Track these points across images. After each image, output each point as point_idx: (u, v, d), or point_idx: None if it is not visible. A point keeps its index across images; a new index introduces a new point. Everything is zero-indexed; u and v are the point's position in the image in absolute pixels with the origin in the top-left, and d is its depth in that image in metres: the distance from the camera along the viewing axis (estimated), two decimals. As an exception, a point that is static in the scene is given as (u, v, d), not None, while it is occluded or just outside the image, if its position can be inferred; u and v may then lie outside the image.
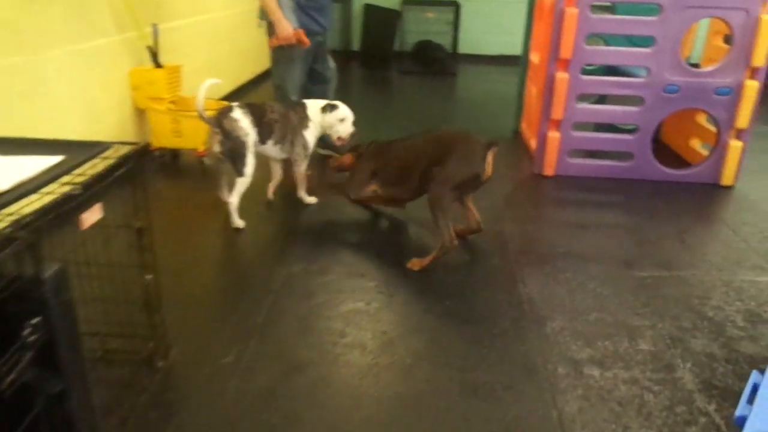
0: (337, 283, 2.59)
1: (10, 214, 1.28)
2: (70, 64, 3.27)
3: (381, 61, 7.78)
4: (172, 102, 3.95)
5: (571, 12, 3.51)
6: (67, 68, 3.25)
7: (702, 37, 4.61)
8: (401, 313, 2.39)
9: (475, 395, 1.93)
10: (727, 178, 3.81)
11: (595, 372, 2.05)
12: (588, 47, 3.64)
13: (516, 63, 5.36)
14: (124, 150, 1.80)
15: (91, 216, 1.53)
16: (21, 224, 1.23)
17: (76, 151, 1.75)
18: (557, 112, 3.73)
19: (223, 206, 3.10)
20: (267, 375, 2.01)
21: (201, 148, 3.86)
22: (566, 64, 3.66)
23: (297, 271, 2.68)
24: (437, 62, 7.49)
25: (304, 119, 3.22)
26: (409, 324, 2.32)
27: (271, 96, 4.05)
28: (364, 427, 1.80)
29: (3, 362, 1.07)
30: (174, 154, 4.06)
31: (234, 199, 3.03)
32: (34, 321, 1.16)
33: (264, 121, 3.09)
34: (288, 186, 3.42)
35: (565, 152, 3.87)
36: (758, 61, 3.56)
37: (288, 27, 3.50)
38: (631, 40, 4.46)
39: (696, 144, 4.23)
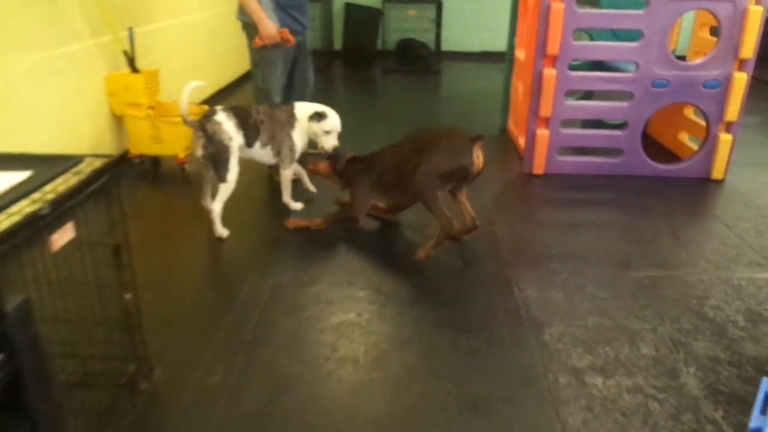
0: (326, 293, 2.50)
1: (-31, 240, 1.17)
2: (42, 70, 3.15)
3: (363, 61, 7.67)
4: (151, 107, 3.83)
5: (557, 7, 3.44)
6: (38, 75, 3.12)
7: (687, 29, 4.57)
8: (394, 324, 2.31)
9: (474, 410, 1.85)
10: (717, 171, 3.77)
11: (598, 380, 1.98)
12: (575, 42, 3.57)
13: (500, 59, 5.30)
14: (97, 163, 1.70)
15: (62, 236, 1.43)
16: (-19, 251, 1.12)
17: (46, 165, 1.64)
18: (545, 110, 3.67)
19: (206, 215, 3.00)
20: (255, 395, 1.91)
21: (182, 154, 3.75)
22: (554, 60, 3.59)
23: (284, 282, 2.59)
24: (421, 60, 7.40)
25: (291, 119, 3.12)
26: (403, 335, 2.24)
27: (253, 98, 3.95)
28: (359, 449, 1.72)
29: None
30: (154, 161, 3.94)
31: (217, 207, 2.92)
32: (-2, 358, 1.06)
33: (249, 123, 2.99)
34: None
35: (554, 150, 3.80)
36: (746, 52, 3.52)
37: (271, 26, 3.40)
38: (616, 34, 4.42)
39: (684, 137, 4.19)
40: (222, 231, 2.95)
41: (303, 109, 3.14)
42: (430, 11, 7.73)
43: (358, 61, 7.68)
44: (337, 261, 2.78)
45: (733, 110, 3.62)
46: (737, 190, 3.66)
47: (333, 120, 3.11)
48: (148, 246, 2.93)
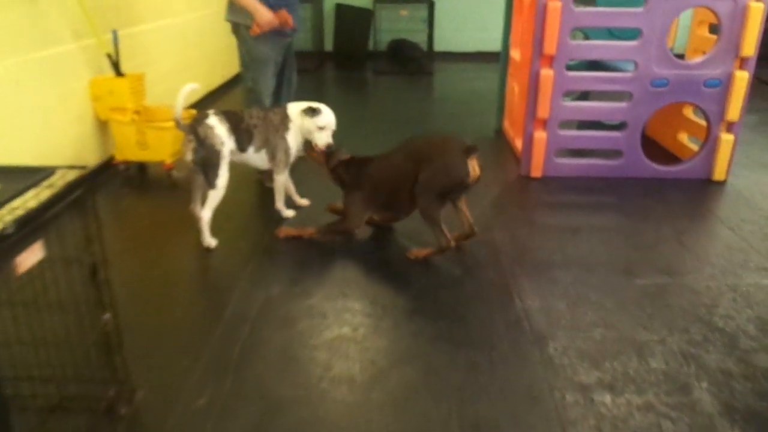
0: (320, 306, 2.39)
1: None
2: (22, 75, 3.02)
3: (355, 62, 7.56)
4: (136, 112, 3.71)
5: (554, 5, 3.34)
6: (18, 80, 2.99)
7: (685, 27, 4.49)
8: (391, 339, 2.20)
9: (477, 432, 1.74)
10: (718, 173, 3.69)
11: (606, 398, 1.88)
12: (572, 42, 3.48)
13: (494, 59, 5.20)
14: (71, 175, 1.58)
15: (29, 257, 1.31)
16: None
17: (15, 178, 1.53)
18: (543, 111, 3.57)
19: (195, 222, 2.88)
20: (245, 419, 1.80)
21: (169, 160, 3.63)
22: (551, 61, 3.50)
23: (276, 295, 2.47)
24: (413, 61, 7.30)
25: (285, 120, 3.00)
26: (400, 351, 2.13)
27: (242, 101, 3.83)
28: (356, 478, 1.61)
29: None
30: (140, 167, 3.82)
31: (206, 214, 2.81)
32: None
33: (242, 127, 2.88)
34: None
35: (552, 152, 3.71)
36: (747, 50, 3.44)
37: (267, 12, 3.27)
38: (612, 32, 4.33)
39: (684, 138, 4.10)
40: (210, 240, 2.84)
41: (295, 108, 3.03)
42: (422, 11, 7.63)
43: (350, 62, 7.58)
44: (331, 271, 2.67)
45: (734, 110, 3.53)
46: (739, 191, 3.57)
47: (327, 116, 2.99)
48: (132, 256, 2.81)
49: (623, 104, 3.59)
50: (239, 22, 3.39)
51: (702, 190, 3.62)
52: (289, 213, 3.17)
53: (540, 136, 3.65)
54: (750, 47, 3.42)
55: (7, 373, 1.49)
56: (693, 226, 3.15)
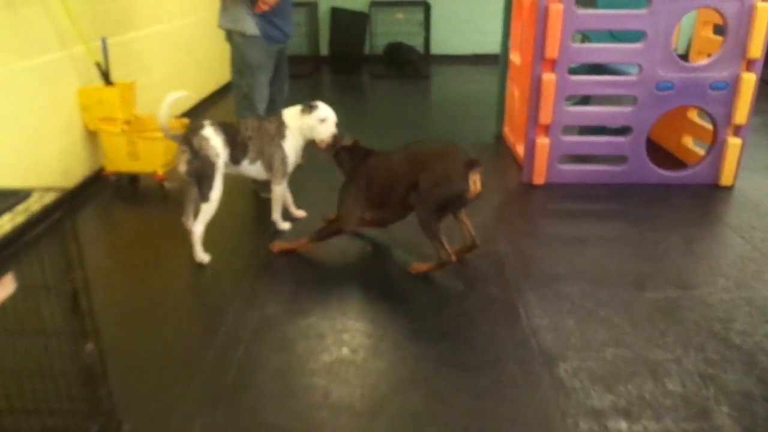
0: (317, 326, 2.28)
1: None
2: (6, 85, 2.91)
3: (351, 66, 7.46)
4: (127, 122, 3.60)
5: (556, 8, 3.25)
6: (2, 90, 2.88)
7: (687, 27, 4.40)
8: (392, 361, 2.09)
9: (487, 466, 1.64)
10: (726, 177, 3.59)
11: (622, 425, 1.77)
12: (575, 45, 3.38)
13: (492, 62, 5.12)
14: (48, 198, 1.47)
15: (1, 291, 1.20)
16: None
17: (-13, 202, 1.42)
18: (545, 116, 3.47)
19: (187, 235, 2.77)
20: (239, 453, 1.69)
21: (160, 171, 3.52)
22: (553, 64, 3.40)
23: (271, 314, 2.37)
24: (410, 65, 7.20)
25: (281, 127, 2.89)
26: (402, 375, 2.02)
27: (234, 108, 3.72)
28: None
29: None
30: (131, 178, 3.71)
31: (198, 229, 2.70)
32: None
33: (238, 140, 2.77)
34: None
35: (555, 159, 3.60)
36: (755, 52, 3.34)
37: None
38: (613, 35, 4.24)
39: (688, 141, 4.01)
40: (203, 256, 2.73)
41: (290, 112, 2.92)
42: (418, 14, 7.53)
43: (346, 66, 7.47)
44: (329, 288, 2.56)
45: (741, 113, 3.43)
46: (748, 197, 3.48)
47: (324, 108, 2.90)
48: (121, 273, 2.71)
49: (628, 109, 3.49)
50: (232, 29, 3.31)
51: (709, 195, 3.52)
52: (285, 225, 3.06)
53: (542, 142, 3.55)
54: (757, 49, 3.33)
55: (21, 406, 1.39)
56: (702, 235, 3.05)
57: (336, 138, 2.83)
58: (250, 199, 3.51)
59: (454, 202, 2.56)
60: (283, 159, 2.91)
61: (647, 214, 3.29)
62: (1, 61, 2.88)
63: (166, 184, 3.53)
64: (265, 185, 3.11)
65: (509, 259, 2.78)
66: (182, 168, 2.68)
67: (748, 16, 3.27)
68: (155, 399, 1.91)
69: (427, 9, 7.42)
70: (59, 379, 1.61)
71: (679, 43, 4.43)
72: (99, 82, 3.54)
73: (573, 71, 3.52)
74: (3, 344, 1.53)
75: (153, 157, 3.49)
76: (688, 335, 2.21)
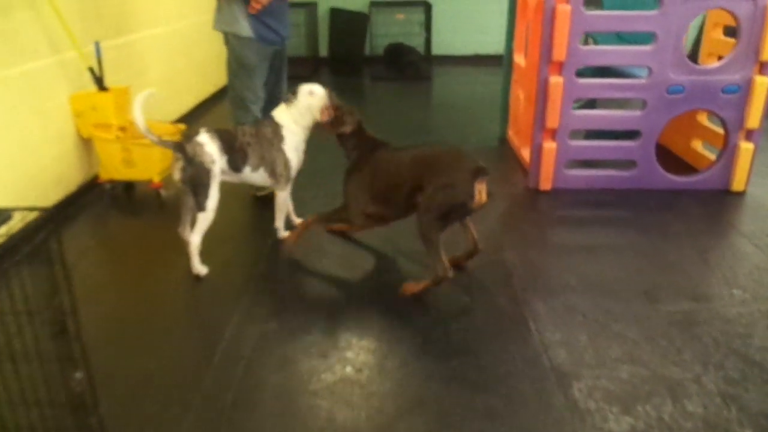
0: (320, 342, 2.19)
1: None
2: (-6, 93, 2.82)
3: (351, 68, 7.35)
4: (122, 129, 3.50)
5: (563, 9, 3.15)
6: (-11, 99, 2.79)
7: (693, 28, 4.31)
8: (398, 380, 2.00)
9: (501, 498, 1.55)
10: (737, 183, 3.50)
11: (643, 451, 1.68)
12: (583, 47, 3.29)
13: (494, 63, 5.04)
14: (31, 218, 1.38)
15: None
16: None
17: (-34, 223, 1.33)
18: (552, 120, 3.37)
19: (183, 247, 2.68)
20: (239, 484, 1.60)
21: (157, 179, 3.42)
22: (560, 67, 3.31)
23: (272, 330, 2.27)
24: (410, 66, 7.09)
25: (277, 130, 2.79)
26: (409, 395, 1.93)
27: (230, 111, 3.63)
28: None
29: None
30: (127, 186, 3.61)
31: (194, 239, 2.61)
32: None
33: (236, 146, 2.68)
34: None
35: (562, 163, 3.51)
36: (768, 54, 3.25)
37: None
38: (621, 36, 4.15)
39: (698, 145, 3.92)
40: (200, 268, 2.63)
41: (281, 112, 2.82)
42: (419, 14, 7.44)
43: (345, 68, 7.37)
44: (331, 301, 2.47)
45: (754, 117, 3.34)
46: (760, 203, 3.39)
47: (305, 85, 2.83)
48: (115, 288, 2.61)
49: (637, 112, 3.40)
50: (227, 30, 3.27)
51: (720, 201, 3.43)
52: (287, 234, 2.96)
53: (549, 146, 3.45)
54: (770, 51, 3.24)
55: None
56: (716, 244, 2.96)
57: (345, 114, 2.72)
58: (248, 205, 3.42)
59: (457, 211, 2.45)
60: (286, 163, 2.82)
61: (657, 221, 3.20)
62: (-10, 67, 2.79)
63: (163, 192, 3.43)
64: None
65: (516, 268, 2.69)
66: (176, 176, 2.58)
67: (761, 17, 3.18)
68: (150, 423, 1.82)
69: (428, 9, 7.32)
70: (47, 408, 1.53)
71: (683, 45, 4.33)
72: (92, 87, 3.44)
73: (578, 73, 3.43)
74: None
75: (149, 165, 3.39)
76: (706, 352, 2.11)
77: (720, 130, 3.57)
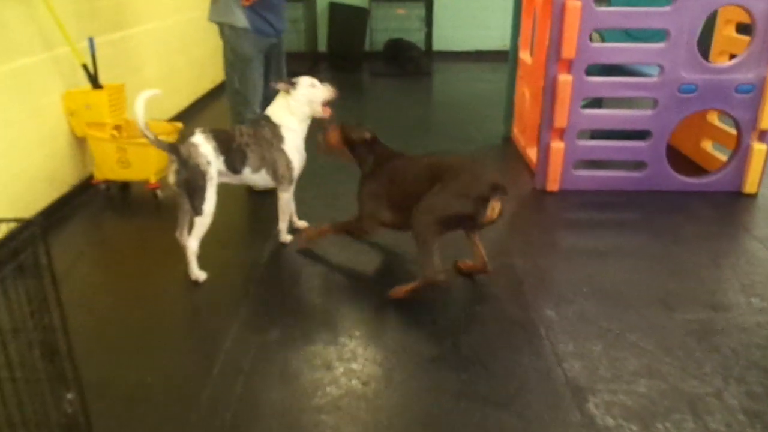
0: (324, 353, 2.10)
1: None
2: (-17, 91, 2.71)
3: (350, 63, 7.24)
4: (117, 127, 3.40)
5: (574, 5, 3.05)
6: (-22, 97, 2.68)
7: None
8: (407, 394, 1.91)
9: None
10: (750, 185, 3.40)
11: (666, 474, 1.60)
12: (593, 45, 3.20)
13: (495, 59, 4.96)
14: (16, 230, 1.28)
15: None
16: None
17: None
18: (561, 120, 3.28)
19: (180, 251, 2.58)
20: None
21: (153, 179, 3.32)
22: (569, 65, 3.21)
23: (273, 339, 2.18)
24: (411, 62, 6.98)
25: (276, 130, 2.69)
26: (419, 411, 1.84)
27: (228, 105, 3.54)
28: None
29: None
30: (122, 186, 3.51)
31: (192, 244, 2.51)
32: None
33: (233, 147, 2.57)
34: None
35: (570, 164, 3.42)
36: (783, 53, 3.16)
37: None
38: (629, 33, 4.05)
39: (707, 146, 3.83)
40: (198, 273, 2.54)
41: (277, 109, 2.72)
42: (419, 9, 7.33)
43: (345, 63, 7.26)
44: (335, 308, 2.38)
45: None
46: (774, 205, 3.31)
47: (304, 78, 2.74)
48: (110, 294, 2.51)
49: (648, 112, 3.31)
50: (223, 21, 3.22)
51: (732, 204, 3.34)
52: (289, 237, 2.87)
53: (557, 146, 3.36)
54: (786, 49, 3.15)
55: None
56: (730, 248, 2.88)
57: (352, 127, 2.64)
58: (246, 207, 3.33)
59: (462, 223, 2.36)
60: (288, 164, 2.72)
61: (669, 224, 3.11)
62: (-21, 64, 2.68)
63: (159, 193, 3.33)
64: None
65: (527, 275, 2.60)
66: (171, 179, 2.48)
67: (776, 14, 3.09)
68: (146, 443, 1.73)
69: (429, 4, 7.21)
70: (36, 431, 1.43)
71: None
72: (86, 84, 3.33)
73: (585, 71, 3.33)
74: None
75: (145, 165, 3.29)
76: (726, 364, 2.03)
77: (731, 130, 3.49)
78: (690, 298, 2.43)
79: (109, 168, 3.33)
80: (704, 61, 3.21)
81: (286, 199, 2.81)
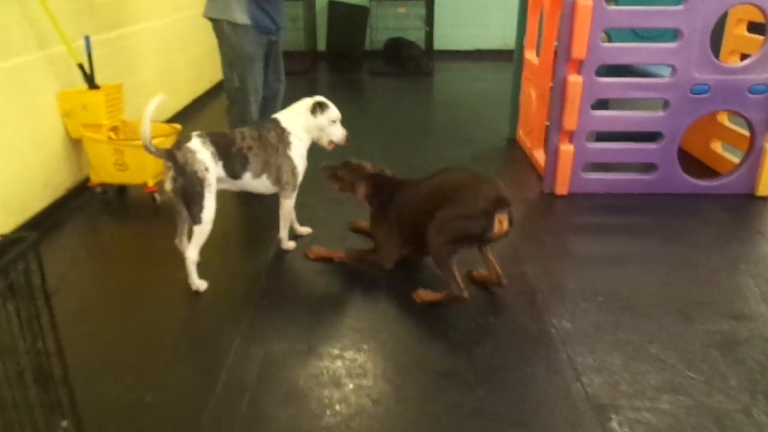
0: (332, 368, 2.00)
1: None
2: (-25, 92, 2.61)
3: (350, 63, 7.15)
4: (113, 129, 3.30)
5: (585, 4, 2.96)
6: (-31, 98, 2.58)
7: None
8: (421, 413, 1.82)
9: None
10: (763, 187, 3.33)
11: (699, 500, 1.51)
12: (604, 45, 3.11)
13: (496, 58, 4.84)
14: (7, 246, 1.18)
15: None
16: None
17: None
18: (570, 122, 3.19)
19: (180, 257, 2.49)
20: None
21: (151, 182, 3.22)
22: (579, 66, 3.12)
23: (278, 352, 2.09)
24: (411, 61, 6.89)
25: (283, 135, 2.59)
26: (432, 431, 1.75)
27: (226, 104, 3.46)
28: None
29: None
30: (119, 190, 3.41)
31: (192, 254, 2.41)
32: None
33: (233, 151, 2.48)
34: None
35: (579, 167, 3.33)
36: (798, 52, 3.08)
37: None
38: (636, 33, 3.97)
39: (717, 147, 3.75)
40: (199, 283, 2.44)
41: (289, 116, 2.64)
42: (419, 8, 7.23)
43: (344, 62, 7.17)
44: (343, 320, 2.28)
45: (782, 118, 3.18)
46: (787, 208, 3.23)
47: (333, 107, 2.68)
48: (107, 305, 2.41)
49: (660, 113, 3.22)
50: (221, 18, 3.15)
51: (746, 207, 3.26)
52: (291, 244, 2.78)
53: (566, 149, 3.27)
54: (801, 48, 3.07)
55: None
56: (746, 254, 2.80)
57: (355, 167, 2.61)
58: (247, 213, 3.23)
59: (472, 241, 2.31)
60: (293, 170, 2.63)
61: (681, 228, 3.03)
62: (-30, 64, 2.58)
63: (158, 197, 3.23)
64: None
65: (540, 283, 2.52)
66: (168, 186, 2.37)
67: (791, 12, 3.01)
68: (146, 467, 1.63)
69: (430, 2, 7.10)
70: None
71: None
72: (82, 84, 3.23)
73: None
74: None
75: (143, 167, 3.18)
76: (752, 378, 1.95)
77: (742, 131, 3.41)
78: (709, 306, 2.35)
79: (105, 171, 3.22)
80: (717, 61, 3.13)
81: (289, 206, 2.71)
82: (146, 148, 2.30)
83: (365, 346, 2.12)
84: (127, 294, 2.49)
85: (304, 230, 2.91)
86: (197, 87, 5.46)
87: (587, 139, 3.29)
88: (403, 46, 7.08)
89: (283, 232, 2.76)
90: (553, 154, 3.32)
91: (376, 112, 5.52)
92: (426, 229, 2.28)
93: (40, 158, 3.03)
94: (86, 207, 3.26)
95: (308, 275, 2.59)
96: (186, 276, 2.43)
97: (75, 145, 3.28)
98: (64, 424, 1.31)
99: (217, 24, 3.19)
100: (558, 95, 3.19)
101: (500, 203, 2.22)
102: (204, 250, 2.43)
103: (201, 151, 2.37)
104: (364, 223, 2.76)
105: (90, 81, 3.21)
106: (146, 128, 2.27)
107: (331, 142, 2.69)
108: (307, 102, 2.65)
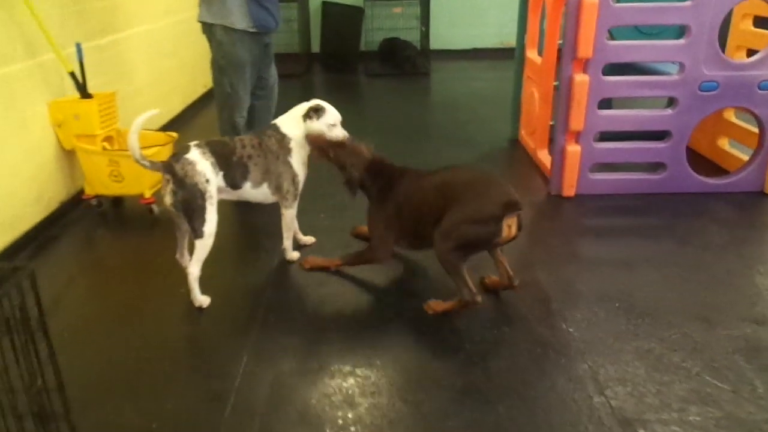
0: (344, 387, 1.92)
1: None
2: (-37, 105, 2.51)
3: (345, 64, 7.06)
4: (108, 139, 3.20)
5: (590, 1, 2.89)
6: (-43, 111, 2.48)
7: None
8: (440, 433, 1.74)
9: None
10: (773, 185, 3.27)
11: None
12: (611, 43, 3.04)
13: (493, 57, 4.76)
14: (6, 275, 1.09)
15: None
16: None
17: None
18: (577, 122, 3.12)
19: (181, 272, 2.40)
20: None
21: (148, 193, 3.13)
22: (585, 64, 3.05)
23: (287, 373, 2.00)
24: (408, 61, 6.80)
25: (284, 142, 2.50)
26: (456, 453, 1.67)
27: (217, 110, 3.38)
28: None
29: None
30: (115, 201, 3.31)
31: (194, 269, 2.32)
32: None
33: (233, 161, 2.39)
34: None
35: (587, 168, 3.26)
36: (808, 47, 3.02)
37: None
38: (640, 30, 3.90)
39: (724, 143, 3.69)
40: (202, 299, 2.35)
41: (289, 121, 2.54)
42: (415, 8, 7.14)
43: (339, 64, 7.08)
44: (354, 334, 2.20)
45: (792, 114, 3.11)
46: (799, 205, 3.17)
47: (332, 110, 2.57)
48: (104, 324, 2.31)
49: (668, 112, 3.15)
50: (215, 22, 3.09)
51: (756, 205, 3.20)
52: (295, 255, 2.69)
53: (573, 149, 3.20)
54: (810, 43, 3.00)
55: None
56: (761, 254, 2.73)
57: (341, 155, 2.46)
58: (248, 222, 3.14)
59: (480, 246, 2.23)
60: (294, 178, 2.54)
61: (693, 228, 2.96)
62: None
63: (155, 208, 3.14)
64: None
65: (553, 290, 2.44)
66: (167, 200, 2.28)
67: (800, 6, 2.94)
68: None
69: (425, 2, 7.01)
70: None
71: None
72: (74, 93, 3.13)
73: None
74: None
75: (139, 178, 3.09)
76: (782, 387, 1.88)
77: (749, 127, 3.35)
78: (730, 310, 2.28)
79: (100, 182, 3.13)
80: (726, 57, 3.06)
81: (290, 216, 2.63)
82: (138, 163, 2.21)
83: (378, 362, 2.03)
84: (126, 312, 2.39)
85: (308, 240, 2.83)
86: (191, 92, 5.36)
87: (593, 139, 3.22)
88: (399, 47, 6.99)
89: (287, 243, 2.67)
90: (559, 155, 3.24)
91: (374, 113, 5.44)
92: (428, 226, 2.21)
93: (31, 171, 2.93)
94: (81, 220, 3.16)
95: (314, 287, 2.50)
96: (188, 291, 2.35)
97: (68, 156, 3.19)
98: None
99: (211, 29, 3.12)
100: (564, 95, 3.12)
101: (510, 207, 2.14)
102: (205, 263, 2.34)
103: (201, 162, 2.28)
104: (366, 228, 2.68)
105: (82, 90, 3.12)
106: (134, 142, 2.18)
107: (313, 146, 2.55)
108: (299, 111, 2.55)
